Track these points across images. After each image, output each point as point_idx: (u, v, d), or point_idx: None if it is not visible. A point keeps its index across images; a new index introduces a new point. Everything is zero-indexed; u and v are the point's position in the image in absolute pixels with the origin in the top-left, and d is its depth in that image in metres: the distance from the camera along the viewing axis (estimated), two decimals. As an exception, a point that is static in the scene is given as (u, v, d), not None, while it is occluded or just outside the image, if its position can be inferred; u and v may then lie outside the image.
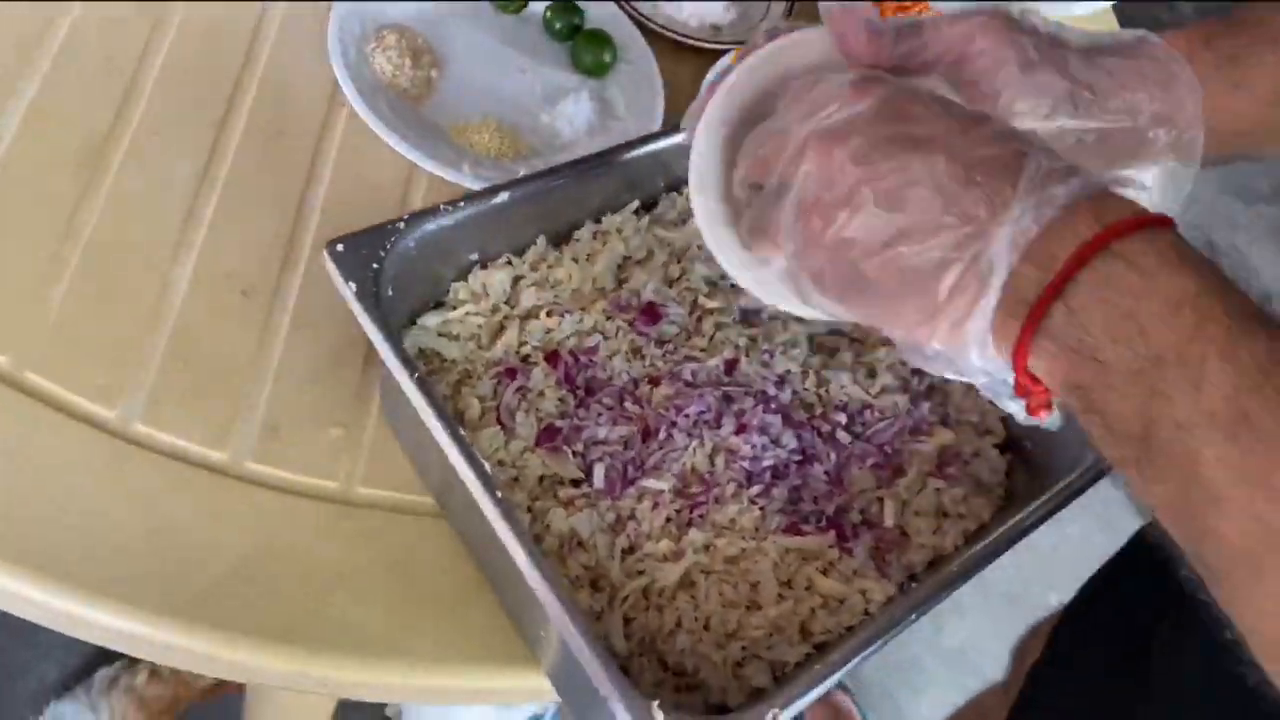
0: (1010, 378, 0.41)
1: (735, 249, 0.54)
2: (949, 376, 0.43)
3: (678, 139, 0.70)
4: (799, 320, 0.70)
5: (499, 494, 0.51)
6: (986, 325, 0.39)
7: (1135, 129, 0.50)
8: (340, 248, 0.56)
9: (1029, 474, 0.69)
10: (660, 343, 0.67)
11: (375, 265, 0.56)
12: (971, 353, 0.40)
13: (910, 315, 0.41)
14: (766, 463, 0.63)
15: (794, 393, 0.67)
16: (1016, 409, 0.43)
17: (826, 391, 0.68)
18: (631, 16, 0.88)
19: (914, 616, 0.55)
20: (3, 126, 0.70)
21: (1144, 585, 0.85)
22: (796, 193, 0.44)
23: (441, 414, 0.52)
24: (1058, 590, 1.71)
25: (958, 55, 0.49)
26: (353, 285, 0.55)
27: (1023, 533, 0.60)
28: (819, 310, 0.49)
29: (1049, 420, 0.42)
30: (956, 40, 0.48)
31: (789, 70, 0.52)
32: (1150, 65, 0.50)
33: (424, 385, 0.53)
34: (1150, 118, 0.50)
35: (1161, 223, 0.38)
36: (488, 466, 0.52)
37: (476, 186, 0.73)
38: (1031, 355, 0.38)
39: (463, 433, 0.59)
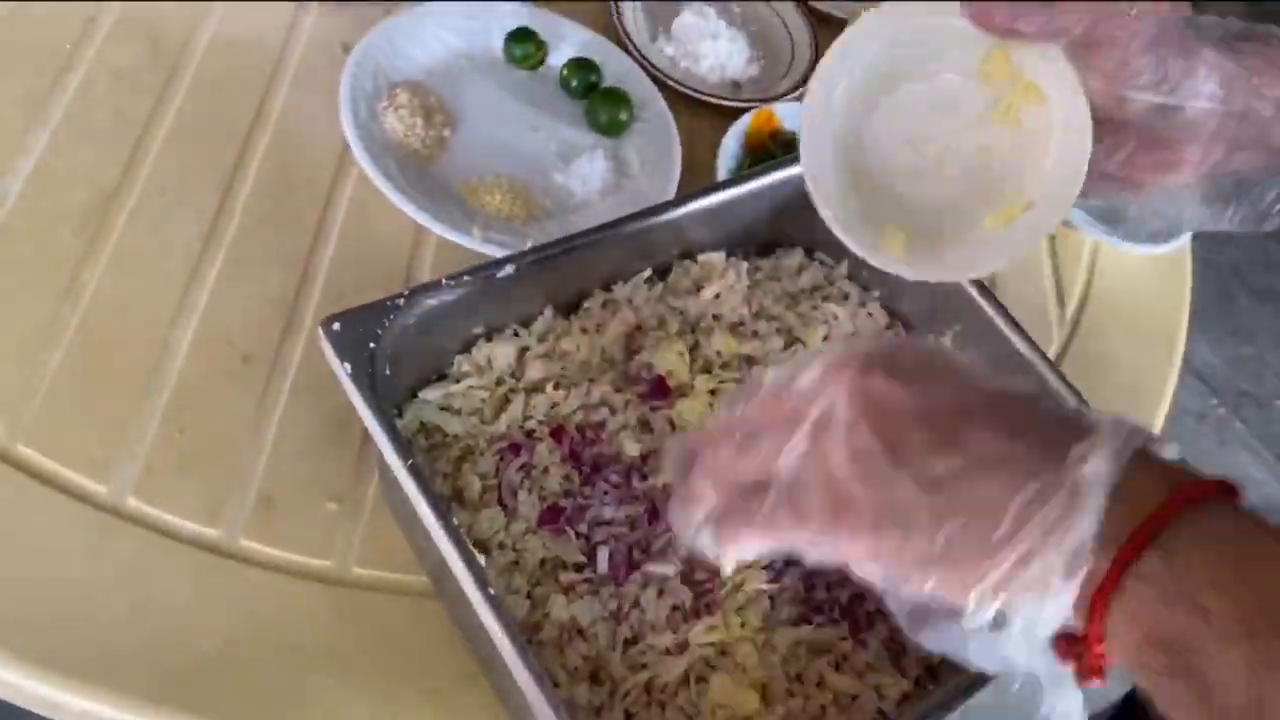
0: (1048, 643, 0.35)
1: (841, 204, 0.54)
2: (974, 662, 0.37)
3: (691, 207, 0.68)
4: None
5: (490, 590, 0.48)
6: (1069, 558, 0.34)
7: (1259, 118, 0.47)
8: (337, 326, 0.54)
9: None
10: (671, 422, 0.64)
11: (372, 344, 0.54)
12: (1043, 594, 0.34)
13: (958, 553, 0.35)
14: (778, 547, 0.60)
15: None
16: (1068, 699, 0.37)
17: (842, 469, 0.65)
18: (649, 73, 0.87)
19: (930, 722, 0.52)
20: (8, 184, 0.69)
21: None
22: (813, 422, 0.38)
23: (436, 503, 0.50)
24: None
25: (1090, 23, 0.46)
26: (348, 366, 0.53)
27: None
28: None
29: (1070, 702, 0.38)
30: (1089, 10, 0.46)
31: (898, 34, 0.52)
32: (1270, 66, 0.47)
33: (418, 473, 0.51)
34: (1275, 104, 0.47)
35: (1233, 489, 0.35)
36: (481, 560, 0.50)
37: (485, 250, 0.71)
38: (1116, 602, 0.34)
39: (459, 516, 0.57)
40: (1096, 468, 0.34)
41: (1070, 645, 0.35)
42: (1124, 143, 0.50)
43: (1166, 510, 0.34)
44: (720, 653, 0.57)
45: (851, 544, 0.38)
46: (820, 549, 0.39)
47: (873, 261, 0.55)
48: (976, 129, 0.55)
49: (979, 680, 0.54)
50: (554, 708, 0.47)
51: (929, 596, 0.36)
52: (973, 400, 0.37)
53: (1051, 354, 0.73)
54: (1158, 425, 0.85)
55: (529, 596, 0.57)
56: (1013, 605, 0.35)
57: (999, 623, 0.35)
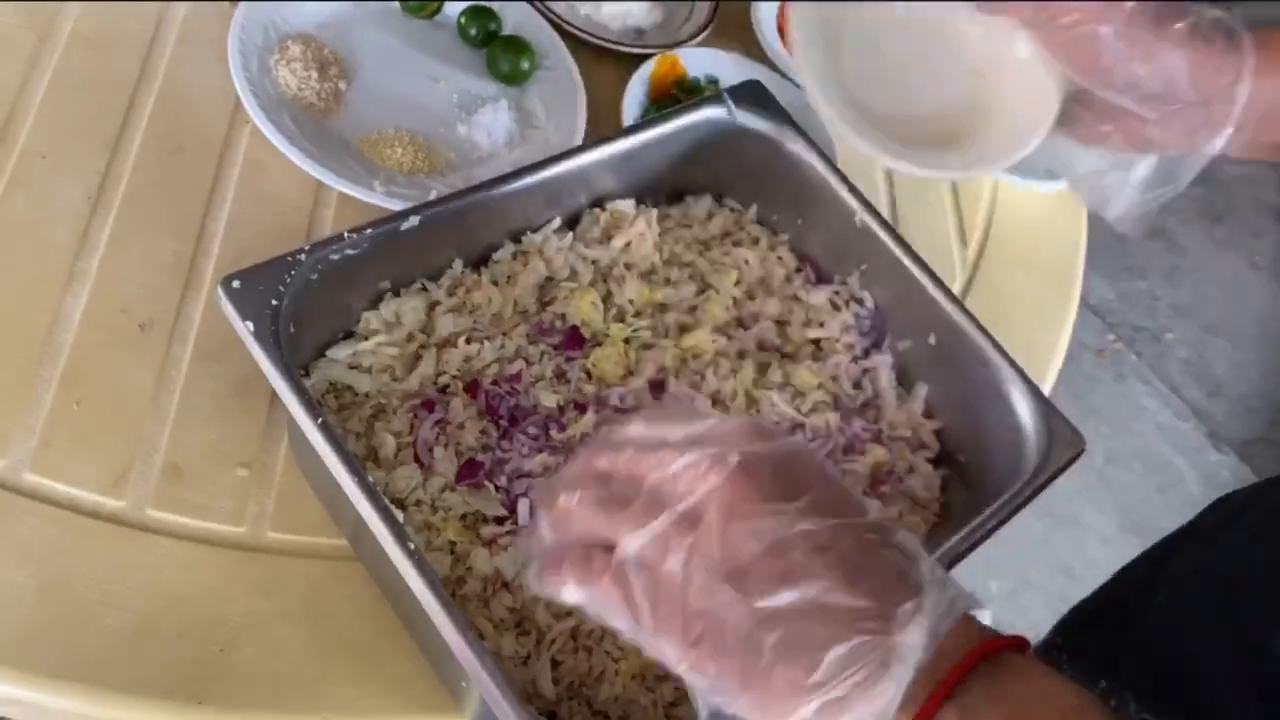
0: None
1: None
2: None
3: (599, 153, 0.67)
4: (729, 336, 0.69)
5: (411, 545, 0.48)
6: (883, 708, 0.37)
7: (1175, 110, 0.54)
8: (236, 284, 0.52)
9: (965, 488, 0.68)
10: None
11: (275, 301, 0.53)
12: None
13: (774, 685, 0.37)
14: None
15: (726, 412, 0.65)
16: None
17: (757, 410, 0.66)
18: (550, 20, 0.85)
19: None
20: (-128, 152, 0.65)
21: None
22: (678, 513, 0.39)
23: (349, 460, 0.49)
24: (1000, 579, 1.72)
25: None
26: (250, 324, 0.52)
27: (959, 557, 0.59)
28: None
29: None
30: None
31: None
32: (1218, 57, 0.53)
33: (329, 430, 0.50)
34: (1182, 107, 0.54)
35: (1024, 645, 0.39)
36: (399, 515, 0.49)
37: (389, 205, 0.69)
38: None
39: (373, 476, 0.56)
40: (913, 639, 0.36)
41: None
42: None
43: (962, 667, 0.37)
44: (644, 596, 0.57)
45: (674, 648, 0.39)
46: (642, 638, 0.40)
47: (884, 157, 0.60)
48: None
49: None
50: (480, 660, 0.46)
51: (732, 713, 0.38)
52: (826, 536, 0.38)
53: (955, 291, 0.75)
54: (1058, 359, 0.88)
55: (452, 552, 0.57)
56: None
57: None
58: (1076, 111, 0.60)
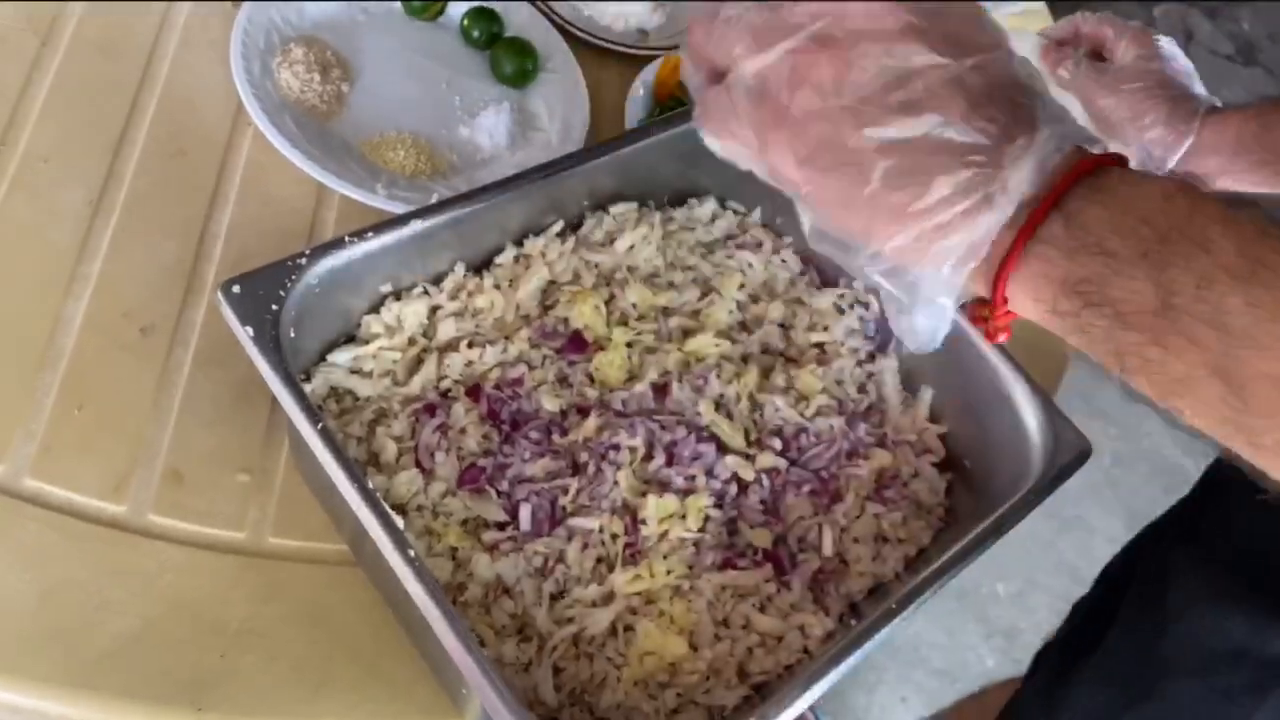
0: (943, 296, 0.40)
1: None
2: (876, 279, 0.40)
3: (601, 158, 0.67)
4: (732, 340, 0.68)
5: (411, 551, 0.48)
6: (977, 239, 0.38)
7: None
8: (237, 288, 0.52)
9: (969, 493, 0.68)
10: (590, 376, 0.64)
11: (275, 306, 0.52)
12: (939, 264, 0.38)
13: (883, 210, 0.38)
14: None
15: (729, 416, 0.65)
16: (908, 326, 0.41)
17: (761, 415, 0.66)
18: (552, 21, 0.85)
19: (853, 658, 0.53)
20: (-126, 156, 0.65)
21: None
22: (810, 30, 0.39)
23: (348, 466, 0.49)
24: (1006, 581, 1.71)
25: None
26: (250, 329, 0.51)
27: (964, 561, 0.58)
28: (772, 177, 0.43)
29: (933, 339, 0.42)
30: None
31: None
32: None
33: (328, 436, 0.49)
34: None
35: (1124, 159, 0.40)
36: (400, 522, 0.49)
37: (390, 208, 0.69)
38: (1024, 263, 0.38)
39: (374, 480, 0.56)
40: (1020, 173, 0.38)
41: (977, 309, 0.40)
42: None
43: (1063, 184, 0.38)
44: (647, 601, 0.57)
45: (789, 166, 0.40)
46: (765, 157, 0.41)
47: None
48: None
49: (895, 614, 0.55)
50: (480, 667, 0.46)
51: (837, 229, 0.40)
52: (952, 70, 0.38)
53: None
54: (1065, 363, 0.87)
55: (453, 557, 0.56)
56: (903, 261, 0.39)
57: (882, 267, 0.40)
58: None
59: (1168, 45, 0.75)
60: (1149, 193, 0.38)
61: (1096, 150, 0.40)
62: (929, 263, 0.39)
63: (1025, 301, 0.39)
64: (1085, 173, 0.38)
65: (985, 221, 0.38)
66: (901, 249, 0.38)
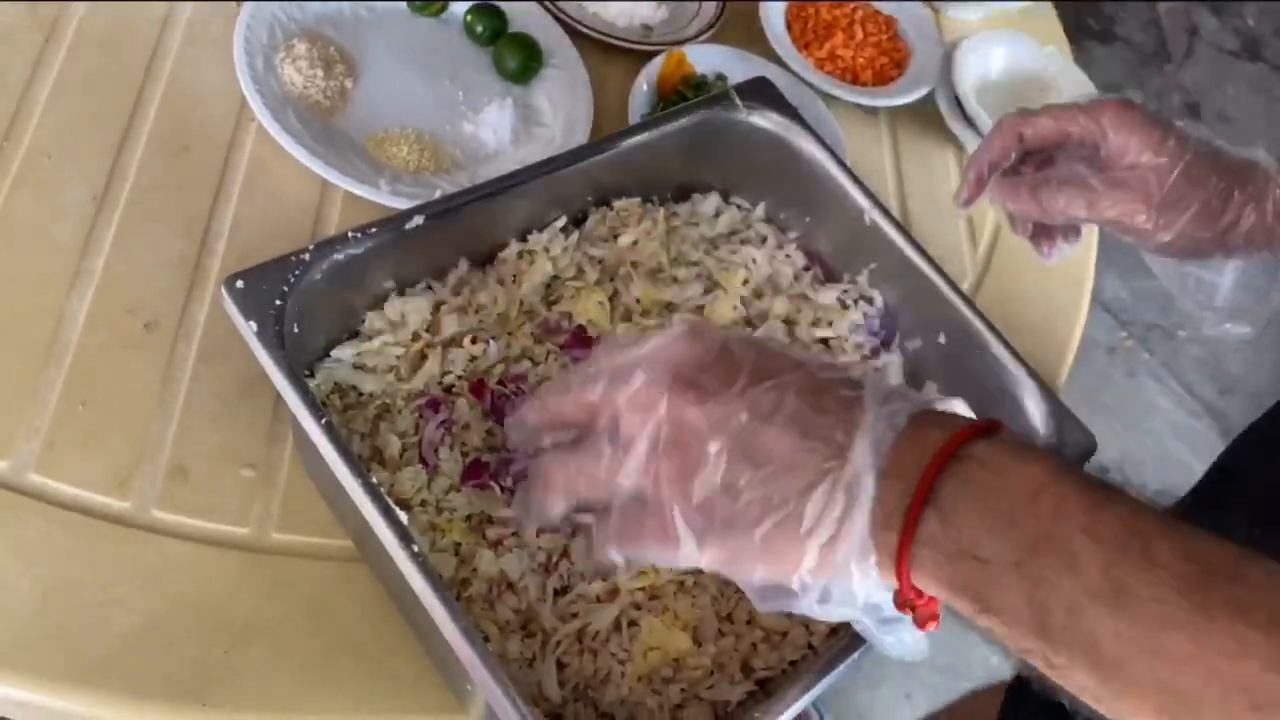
0: (885, 600, 0.40)
1: None
2: (819, 617, 0.41)
3: (604, 153, 0.67)
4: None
5: (416, 547, 0.47)
6: (862, 541, 0.38)
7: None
8: (240, 284, 0.52)
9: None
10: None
11: (279, 301, 0.52)
12: (850, 572, 0.39)
13: (777, 547, 0.40)
14: (704, 491, 0.60)
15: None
16: (893, 641, 0.42)
17: (766, 411, 0.65)
18: (557, 18, 0.85)
19: (857, 655, 0.53)
20: (-122, 152, 0.65)
21: None
22: (643, 453, 0.41)
23: (352, 461, 0.49)
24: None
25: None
26: (254, 324, 0.51)
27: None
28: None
29: (919, 649, 0.43)
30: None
31: None
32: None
33: (332, 431, 0.49)
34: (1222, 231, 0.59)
35: (995, 427, 0.40)
36: (404, 517, 0.49)
37: (394, 203, 0.69)
38: (913, 565, 0.38)
39: (378, 476, 0.56)
40: (860, 460, 0.38)
41: (902, 600, 0.40)
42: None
43: (929, 475, 0.38)
44: (651, 597, 0.57)
45: (685, 554, 0.41)
46: (665, 560, 0.42)
47: None
48: None
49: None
50: (485, 663, 0.46)
51: (763, 582, 0.41)
52: (767, 404, 0.40)
53: (965, 290, 0.74)
54: (1069, 358, 0.87)
55: (456, 554, 0.56)
56: (830, 584, 0.39)
57: (824, 598, 0.40)
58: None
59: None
60: (1016, 487, 0.37)
61: (941, 407, 0.40)
62: (841, 574, 0.39)
63: (934, 592, 0.39)
64: (948, 456, 0.38)
65: (859, 516, 0.38)
66: (816, 570, 0.39)
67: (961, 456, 0.38)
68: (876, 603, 0.40)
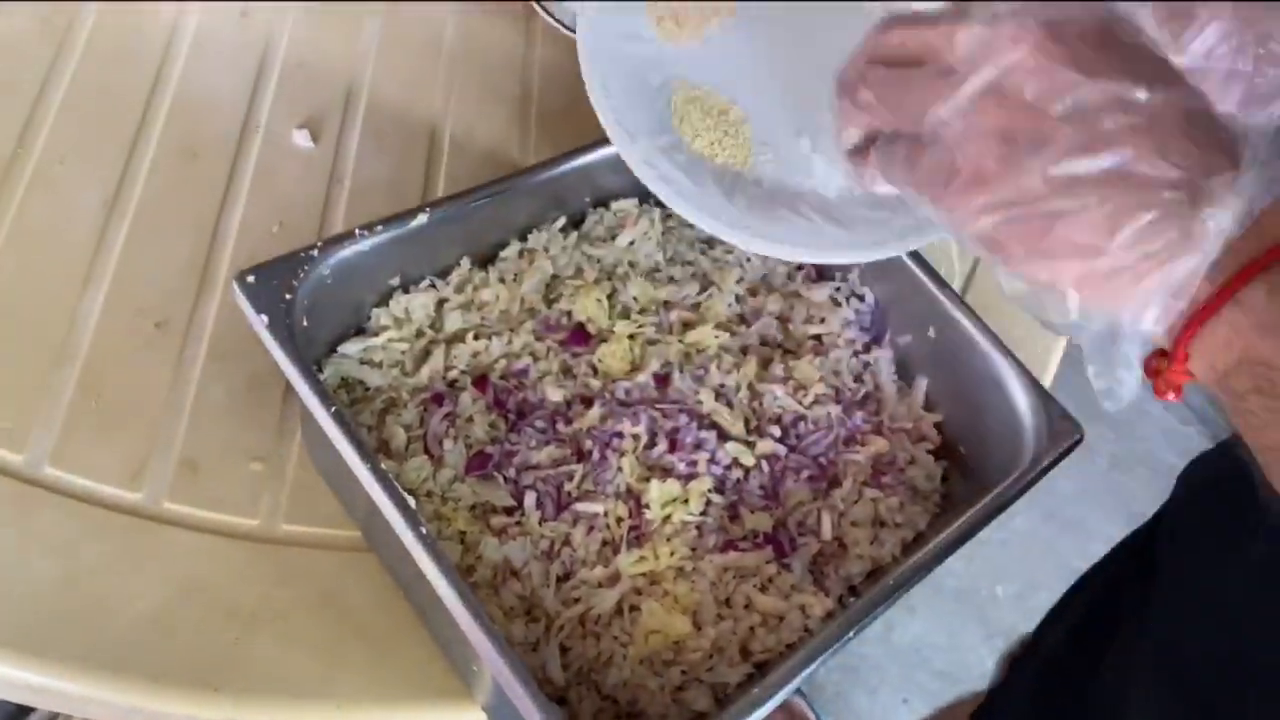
0: (1139, 349, 0.38)
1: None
2: (1059, 331, 0.39)
3: (602, 153, 0.69)
4: (731, 332, 0.70)
5: (424, 529, 0.49)
6: (1177, 283, 0.36)
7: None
8: (251, 279, 0.54)
9: (965, 479, 0.69)
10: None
11: (289, 296, 0.54)
12: (1140, 310, 0.37)
13: (1069, 251, 0.37)
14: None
15: (729, 405, 0.66)
16: (1125, 385, 0.39)
17: (760, 404, 0.67)
18: (556, 21, 0.87)
19: (852, 634, 0.54)
20: (-104, 158, 0.67)
21: (1117, 582, 0.86)
22: (981, 85, 0.38)
23: (361, 448, 0.51)
24: (1005, 583, 1.72)
25: None
26: (265, 318, 0.53)
27: (958, 542, 0.60)
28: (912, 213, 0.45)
29: (1123, 400, 0.40)
30: None
31: None
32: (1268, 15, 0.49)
33: (342, 419, 0.51)
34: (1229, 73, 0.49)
35: None
36: (411, 501, 0.50)
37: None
38: (1212, 325, 0.36)
39: (384, 467, 0.57)
40: (1223, 213, 0.35)
41: (1154, 361, 0.38)
42: None
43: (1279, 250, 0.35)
44: (651, 582, 0.58)
45: (971, 218, 0.39)
46: (944, 211, 0.40)
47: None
48: None
49: (893, 592, 0.57)
50: (492, 640, 0.48)
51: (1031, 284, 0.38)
52: (1139, 102, 0.37)
53: (955, 286, 0.76)
54: (1058, 352, 0.89)
55: (461, 541, 0.58)
56: (1095, 309, 0.37)
57: (1083, 315, 0.38)
58: None
59: None
60: None
61: None
62: (1128, 309, 0.37)
63: (1201, 363, 0.37)
64: None
65: (1184, 264, 0.36)
66: (1096, 294, 0.37)
67: None
68: (1130, 347, 0.38)
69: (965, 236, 0.40)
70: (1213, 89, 0.50)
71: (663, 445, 0.63)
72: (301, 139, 0.76)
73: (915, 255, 0.70)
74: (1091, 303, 0.37)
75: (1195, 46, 0.49)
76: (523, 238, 0.69)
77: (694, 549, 0.60)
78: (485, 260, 0.67)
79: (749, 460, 0.64)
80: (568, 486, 0.60)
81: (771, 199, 0.55)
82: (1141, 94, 0.37)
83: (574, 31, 0.86)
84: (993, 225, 0.38)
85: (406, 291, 0.64)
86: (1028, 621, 1.67)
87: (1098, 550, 1.02)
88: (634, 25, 0.57)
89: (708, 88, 0.57)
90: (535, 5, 0.87)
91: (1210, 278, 0.36)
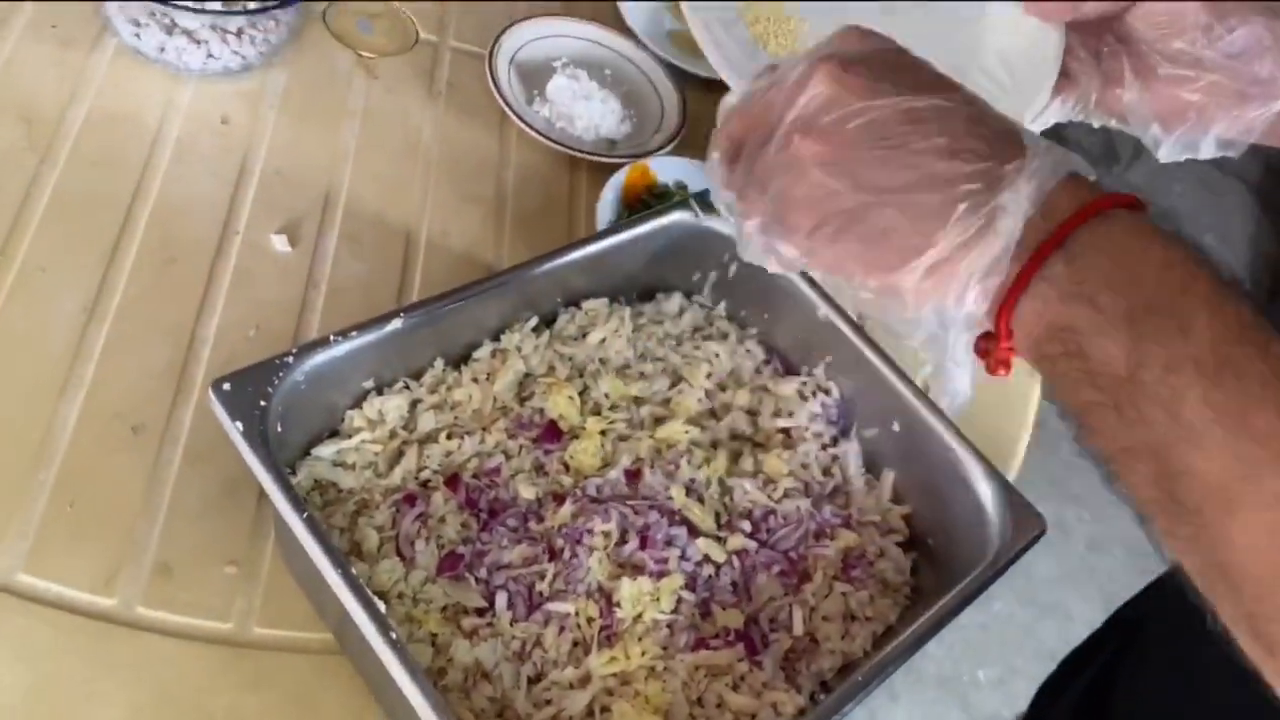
0: (966, 335, 0.42)
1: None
2: (895, 329, 0.43)
3: (573, 255, 0.71)
4: (702, 427, 0.71)
5: (394, 634, 0.50)
6: (986, 265, 0.40)
7: (1239, 87, 0.56)
8: (226, 386, 0.55)
9: (934, 571, 0.70)
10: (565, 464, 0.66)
11: (263, 402, 0.55)
12: (961, 295, 0.40)
13: (893, 255, 0.41)
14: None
15: (700, 500, 0.67)
16: (960, 379, 0.44)
17: (731, 499, 0.68)
18: (535, 130, 0.90)
19: (825, 733, 0.55)
20: (-122, 268, 0.68)
21: (1109, 656, 0.86)
22: (789, 123, 0.43)
23: (333, 554, 0.51)
24: (987, 668, 1.71)
25: None
26: (240, 424, 0.54)
27: (928, 635, 0.60)
28: (780, 262, 0.47)
29: (964, 400, 0.44)
30: None
31: None
32: None
33: (314, 525, 0.52)
34: (1252, 78, 0.55)
35: (1141, 205, 0.41)
36: (382, 606, 0.51)
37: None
38: (1024, 298, 0.39)
39: (357, 569, 0.58)
40: (1019, 194, 0.39)
41: (982, 343, 0.41)
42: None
43: (1074, 221, 0.39)
44: (623, 683, 0.59)
45: (795, 244, 0.43)
46: (777, 233, 0.44)
47: None
48: None
49: (863, 688, 0.57)
50: (462, 746, 0.48)
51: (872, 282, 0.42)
52: (926, 111, 0.41)
53: (919, 382, 0.78)
54: (1022, 445, 0.90)
55: (432, 644, 0.58)
56: (926, 301, 0.41)
57: (917, 312, 0.41)
58: (1077, 72, 0.62)
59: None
60: (1150, 254, 0.38)
61: (1090, 179, 0.41)
62: (953, 294, 0.40)
63: (1021, 336, 0.41)
64: (1097, 212, 0.39)
65: (990, 247, 0.39)
66: (923, 290, 0.40)
67: (1107, 216, 0.39)
68: (960, 333, 0.41)
69: (812, 267, 0.45)
70: (1235, 92, 0.56)
71: (634, 542, 0.63)
72: (279, 243, 0.78)
73: (878, 350, 0.72)
74: (921, 297, 0.41)
75: (1221, 45, 0.55)
76: (495, 338, 0.70)
77: (665, 648, 0.60)
78: (458, 360, 0.69)
79: (720, 556, 0.64)
80: (539, 586, 0.61)
81: None
82: (922, 102, 0.41)
83: (546, 137, 0.89)
84: (825, 247, 0.43)
85: (380, 393, 0.65)
86: (1010, 707, 1.66)
87: (1079, 633, 1.03)
88: None
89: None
90: (508, 110, 0.90)
91: (1017, 256, 0.40)
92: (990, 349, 0.42)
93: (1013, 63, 0.60)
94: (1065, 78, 0.62)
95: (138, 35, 0.83)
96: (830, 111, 0.42)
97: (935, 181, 0.40)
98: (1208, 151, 0.61)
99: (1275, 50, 0.55)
